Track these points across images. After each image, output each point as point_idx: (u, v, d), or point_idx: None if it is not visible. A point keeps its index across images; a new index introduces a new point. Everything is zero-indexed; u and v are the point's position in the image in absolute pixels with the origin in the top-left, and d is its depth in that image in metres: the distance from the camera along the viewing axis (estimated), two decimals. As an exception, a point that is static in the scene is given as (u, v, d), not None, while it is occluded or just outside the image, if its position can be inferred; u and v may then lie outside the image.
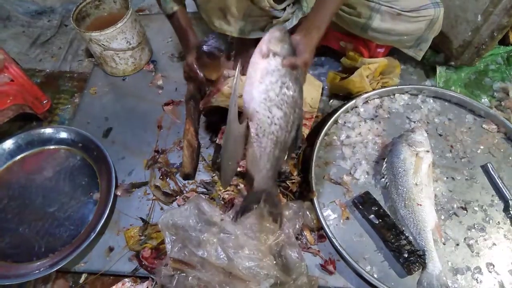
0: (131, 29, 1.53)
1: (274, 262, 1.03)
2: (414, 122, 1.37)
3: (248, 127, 0.96)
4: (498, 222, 1.15)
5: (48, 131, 1.42)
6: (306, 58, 0.94)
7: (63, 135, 1.41)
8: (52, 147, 1.41)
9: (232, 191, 1.26)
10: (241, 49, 1.32)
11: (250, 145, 0.96)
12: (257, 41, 0.95)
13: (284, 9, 1.16)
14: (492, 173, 1.22)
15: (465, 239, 1.13)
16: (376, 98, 1.44)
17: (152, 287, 1.12)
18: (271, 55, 0.91)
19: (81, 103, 1.60)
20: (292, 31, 1.04)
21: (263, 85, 0.90)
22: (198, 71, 1.16)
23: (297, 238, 1.14)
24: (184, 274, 1.02)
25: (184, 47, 1.26)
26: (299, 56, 0.93)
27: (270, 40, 0.91)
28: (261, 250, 1.02)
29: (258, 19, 1.18)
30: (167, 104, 1.53)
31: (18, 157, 1.39)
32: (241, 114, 0.97)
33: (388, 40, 1.32)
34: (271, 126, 0.92)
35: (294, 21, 1.19)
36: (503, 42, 1.54)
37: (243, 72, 1.34)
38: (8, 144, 1.38)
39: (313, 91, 1.38)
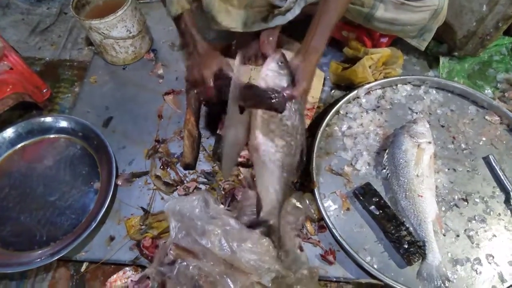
0: (132, 17, 1.51)
1: (277, 256, 1.04)
2: (416, 113, 1.36)
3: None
4: (499, 213, 1.16)
5: (48, 120, 1.41)
6: (304, 87, 0.98)
7: (63, 124, 1.40)
8: (52, 136, 1.41)
9: (233, 181, 1.26)
10: (242, 39, 1.30)
11: (258, 172, 1.04)
12: (258, 32, 0.95)
13: None
14: (494, 164, 1.21)
15: (465, 230, 1.13)
16: (379, 89, 1.43)
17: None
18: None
19: (81, 92, 1.59)
20: (295, 21, 1.03)
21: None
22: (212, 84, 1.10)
23: (298, 230, 1.14)
24: (185, 263, 1.03)
25: (189, 53, 1.17)
26: (297, 86, 0.97)
27: (268, 75, 0.97)
28: (264, 244, 1.02)
29: (259, 9, 1.17)
30: (167, 93, 1.52)
31: (19, 145, 1.39)
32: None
33: (391, 30, 1.30)
34: (275, 154, 1.00)
35: (297, 11, 1.17)
36: (508, 32, 1.52)
37: (244, 61, 1.33)
38: (9, 133, 1.38)
39: (315, 81, 1.36)
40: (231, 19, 1.20)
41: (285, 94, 0.96)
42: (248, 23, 1.21)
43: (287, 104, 0.96)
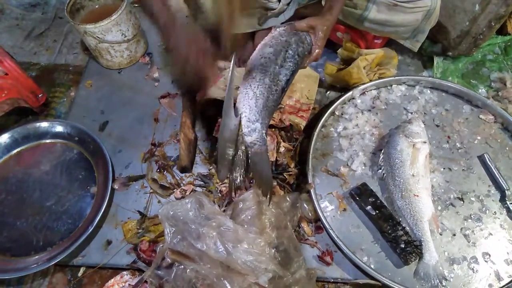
0: (126, 21, 1.52)
1: (273, 256, 1.04)
2: (411, 113, 1.37)
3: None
4: (495, 212, 1.16)
5: (44, 125, 1.41)
6: (311, 23, 1.02)
7: (59, 128, 1.40)
8: (48, 141, 1.40)
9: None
10: (236, 42, 1.31)
11: (241, 83, 0.99)
12: (252, 34, 0.95)
13: (279, 0, 1.15)
14: (489, 163, 1.22)
15: (461, 229, 1.13)
16: (373, 89, 1.43)
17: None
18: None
19: (77, 97, 1.58)
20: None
21: (264, 41, 1.02)
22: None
23: (294, 230, 1.15)
24: (182, 266, 1.03)
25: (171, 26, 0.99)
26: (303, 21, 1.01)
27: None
28: (260, 244, 1.03)
29: (252, 11, 1.17)
30: (163, 96, 1.52)
31: (15, 151, 1.38)
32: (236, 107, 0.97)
33: (384, 32, 1.31)
34: (260, 60, 0.99)
35: (290, 13, 1.18)
36: (501, 31, 1.54)
37: (239, 64, 1.34)
38: (4, 138, 1.37)
39: (310, 82, 1.37)
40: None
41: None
42: (241, 25, 1.21)
43: (291, 33, 1.03)
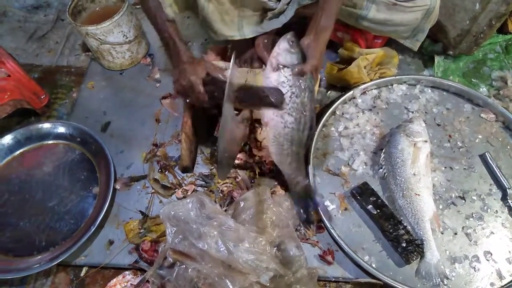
0: (128, 22, 1.52)
1: (274, 255, 1.04)
2: (412, 112, 1.37)
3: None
4: (496, 211, 1.16)
5: (46, 126, 1.42)
6: (315, 64, 0.99)
7: (62, 130, 1.41)
8: (50, 142, 1.41)
9: (231, 183, 1.27)
10: (237, 42, 1.31)
11: (271, 147, 1.06)
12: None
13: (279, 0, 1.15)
14: (490, 162, 1.22)
15: (463, 228, 1.13)
16: (374, 89, 1.43)
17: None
18: (281, 68, 0.98)
19: (79, 98, 1.59)
20: (290, 25, 1.04)
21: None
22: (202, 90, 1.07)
23: (296, 230, 1.15)
24: (184, 266, 1.03)
25: (173, 63, 1.12)
26: (308, 63, 0.98)
27: (279, 53, 0.98)
28: (261, 243, 1.03)
29: (253, 14, 1.18)
30: (164, 97, 1.53)
31: (17, 152, 1.39)
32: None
33: (384, 31, 1.31)
34: (284, 129, 1.01)
35: (291, 13, 1.18)
36: (502, 30, 1.54)
37: (240, 64, 1.34)
38: (7, 139, 1.38)
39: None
40: (228, 28, 1.22)
41: (295, 72, 0.98)
42: (244, 30, 1.22)
43: (296, 82, 0.98)
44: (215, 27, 1.22)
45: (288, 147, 1.03)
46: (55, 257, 1.13)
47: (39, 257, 1.17)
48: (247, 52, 1.36)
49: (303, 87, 0.99)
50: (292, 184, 1.07)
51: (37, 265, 1.14)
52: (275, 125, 1.01)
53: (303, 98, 0.99)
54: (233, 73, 0.97)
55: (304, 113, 1.00)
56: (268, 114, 1.02)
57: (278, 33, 1.27)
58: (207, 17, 1.19)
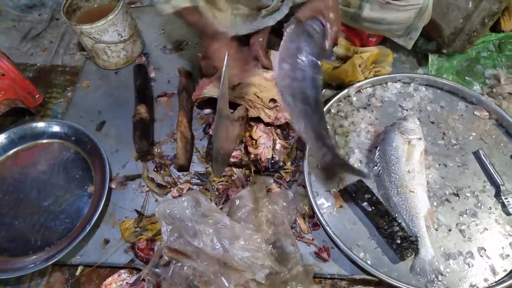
0: (123, 21, 1.52)
1: (270, 252, 1.04)
2: (407, 110, 1.38)
3: None
4: (490, 207, 1.17)
5: (40, 125, 1.41)
6: (335, 29, 0.94)
7: (56, 129, 1.40)
8: (45, 141, 1.41)
9: (226, 181, 1.27)
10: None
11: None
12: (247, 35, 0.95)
13: None
14: (484, 159, 1.23)
15: (457, 224, 1.14)
16: (369, 87, 1.44)
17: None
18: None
19: (74, 97, 1.59)
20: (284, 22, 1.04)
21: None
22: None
23: (291, 227, 1.15)
24: (180, 264, 1.03)
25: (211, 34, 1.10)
26: (330, 31, 0.94)
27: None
28: (257, 240, 1.03)
29: (246, 11, 1.18)
30: (160, 96, 1.53)
31: (11, 151, 1.39)
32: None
33: (378, 30, 1.31)
34: (284, 80, 0.95)
35: (285, 11, 1.18)
36: (494, 28, 1.55)
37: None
38: (1, 138, 1.38)
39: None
40: (220, 25, 1.21)
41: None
42: (237, 27, 1.22)
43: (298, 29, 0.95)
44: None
45: (292, 103, 0.95)
46: (51, 257, 1.13)
47: (34, 256, 1.17)
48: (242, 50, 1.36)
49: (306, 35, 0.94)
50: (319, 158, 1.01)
51: (32, 265, 1.13)
52: (277, 77, 0.97)
53: (299, 41, 0.94)
54: (226, 73, 0.97)
55: (302, 60, 0.93)
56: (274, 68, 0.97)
57: (273, 32, 1.28)
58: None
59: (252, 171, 1.26)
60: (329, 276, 1.11)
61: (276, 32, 1.26)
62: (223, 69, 0.92)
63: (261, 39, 1.25)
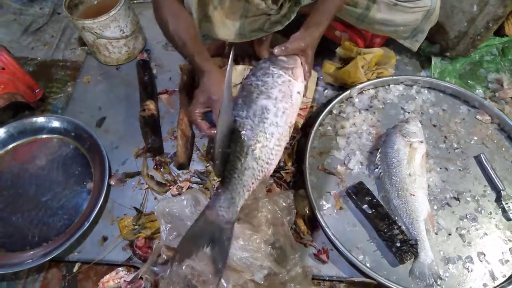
0: (125, 17, 1.51)
1: (269, 253, 1.04)
2: (409, 112, 1.37)
3: None
4: (490, 212, 1.16)
5: (40, 120, 1.40)
6: (298, 46, 0.98)
7: (56, 124, 1.39)
8: (44, 136, 1.40)
9: (226, 181, 1.26)
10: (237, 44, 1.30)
11: None
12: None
13: (281, 5, 1.14)
14: (485, 163, 1.22)
15: (457, 229, 1.14)
16: (371, 89, 1.44)
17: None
18: None
19: (74, 92, 1.58)
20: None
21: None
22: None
23: (291, 228, 1.14)
24: (178, 263, 1.03)
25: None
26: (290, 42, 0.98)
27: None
28: (256, 241, 1.02)
29: (255, 18, 1.17)
30: (161, 93, 1.52)
31: (10, 146, 1.38)
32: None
33: (384, 31, 1.30)
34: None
35: (293, 15, 1.17)
36: (498, 33, 1.54)
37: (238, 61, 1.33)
38: (0, 133, 1.37)
39: (309, 81, 1.37)
40: (227, 30, 1.20)
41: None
42: (245, 33, 1.20)
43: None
44: (215, 29, 1.20)
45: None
46: (48, 253, 1.12)
47: (31, 252, 1.16)
48: (245, 49, 1.35)
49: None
50: None
51: (30, 261, 1.13)
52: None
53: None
54: (231, 71, 0.96)
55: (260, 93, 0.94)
56: None
57: (277, 31, 1.26)
58: (209, 19, 1.18)
59: (253, 171, 1.25)
60: (327, 278, 1.11)
61: (282, 32, 1.25)
62: (227, 68, 0.91)
63: (264, 38, 1.25)
